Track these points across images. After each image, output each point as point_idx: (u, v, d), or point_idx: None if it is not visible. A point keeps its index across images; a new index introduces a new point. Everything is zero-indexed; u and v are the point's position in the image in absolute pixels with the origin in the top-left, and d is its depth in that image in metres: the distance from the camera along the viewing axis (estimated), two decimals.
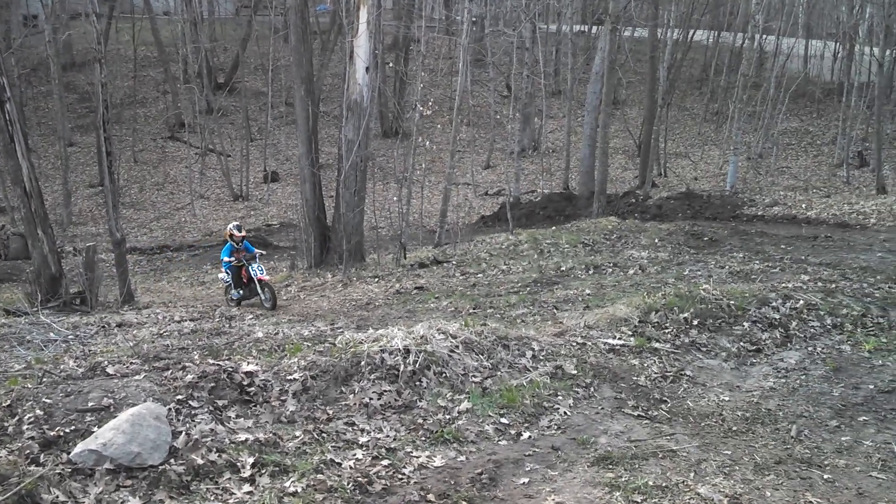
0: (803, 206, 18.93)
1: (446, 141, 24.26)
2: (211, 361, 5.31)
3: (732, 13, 36.84)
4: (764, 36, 31.10)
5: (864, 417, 5.79)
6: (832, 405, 5.99)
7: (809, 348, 7.17)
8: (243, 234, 12.61)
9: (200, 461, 4.24)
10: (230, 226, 12.73)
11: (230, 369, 5.16)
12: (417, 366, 5.57)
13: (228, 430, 4.63)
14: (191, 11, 31.57)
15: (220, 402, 4.89)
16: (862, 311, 7.93)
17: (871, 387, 6.34)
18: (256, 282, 12.00)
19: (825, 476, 4.78)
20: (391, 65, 30.20)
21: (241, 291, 12.54)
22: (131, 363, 5.65)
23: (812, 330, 7.53)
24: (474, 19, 31.22)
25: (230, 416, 4.83)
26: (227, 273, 12.59)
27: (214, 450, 4.37)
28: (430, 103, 21.28)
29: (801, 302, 7.91)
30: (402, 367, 5.52)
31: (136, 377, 5.09)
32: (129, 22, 33.87)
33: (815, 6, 36.36)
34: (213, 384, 4.98)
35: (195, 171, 28.63)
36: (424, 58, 29.71)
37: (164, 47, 32.86)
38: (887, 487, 4.73)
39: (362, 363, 5.53)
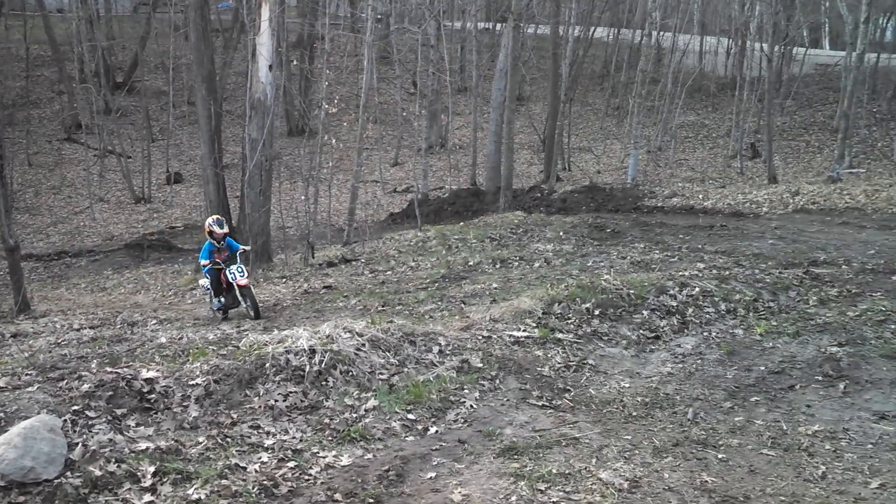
0: (700, 196, 19.60)
1: (353, 139, 24.12)
2: (109, 369, 5.17)
3: (631, 11, 37.83)
4: (661, 33, 32.13)
5: (756, 398, 6.07)
6: (726, 387, 6.26)
7: (705, 333, 7.46)
8: (225, 230, 10.59)
9: (98, 473, 4.12)
10: (209, 220, 10.66)
11: (129, 377, 5.03)
12: (323, 365, 5.55)
13: (128, 440, 4.52)
14: (86, 9, 30.47)
15: (118, 412, 4.76)
16: (754, 297, 8.29)
17: (763, 368, 6.64)
18: (236, 288, 10.23)
19: (719, 455, 4.99)
20: (295, 63, 29.81)
21: (222, 300, 10.64)
22: (25, 374, 5.46)
23: (707, 316, 7.84)
24: (379, 17, 31.17)
25: (130, 425, 4.71)
26: (206, 278, 10.61)
27: (113, 460, 4.26)
28: (336, 101, 21.07)
29: (697, 289, 8.21)
30: (307, 368, 5.49)
31: (30, 389, 4.92)
32: (20, 19, 32.45)
33: (708, 4, 37.69)
34: (110, 393, 4.85)
35: (94, 173, 27.64)
36: (329, 55, 29.47)
37: (59, 46, 31.52)
38: (776, 464, 4.97)
39: (267, 365, 5.48)
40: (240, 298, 10.35)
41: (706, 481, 4.63)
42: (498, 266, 11.81)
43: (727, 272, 9.25)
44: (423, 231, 16.03)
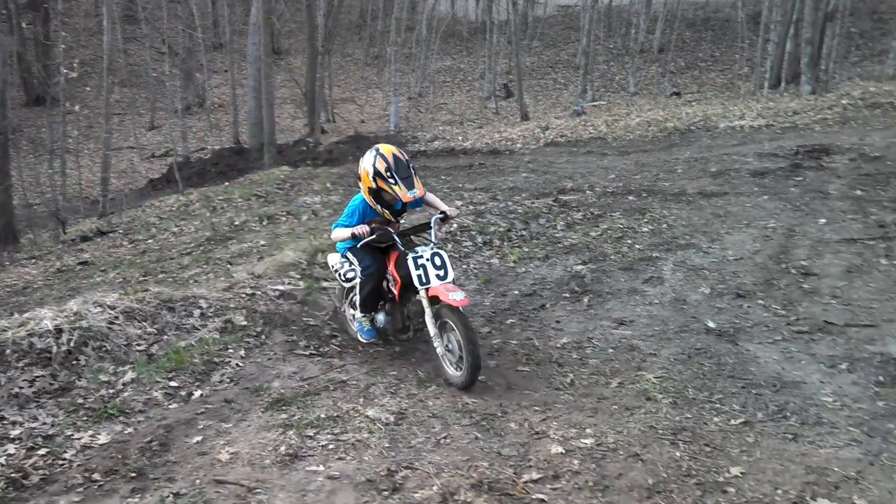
0: (460, 138, 20.26)
1: (101, 105, 22.55)
2: None
3: None
4: None
5: (511, 320, 6.47)
6: (483, 314, 6.62)
7: (464, 266, 7.80)
8: None
9: None
10: None
11: None
12: (72, 344, 5.23)
13: None
14: None
15: None
16: (507, 227, 8.77)
17: (516, 292, 7.08)
18: None
19: (479, 377, 5.24)
20: (27, 25, 27.25)
21: None
22: None
23: (465, 249, 8.20)
24: None
25: None
26: None
27: None
28: (76, 65, 19.62)
29: (455, 225, 8.54)
30: (54, 349, 5.16)
31: None
32: None
33: None
34: None
35: None
36: (65, 17, 27.18)
37: None
38: (530, 378, 5.37)
39: (7, 352, 5.07)
40: None
41: (467, 403, 4.90)
42: (265, 223, 11.60)
43: (483, 206, 9.68)
44: (185, 195, 15.39)
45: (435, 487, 3.88)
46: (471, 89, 29.95)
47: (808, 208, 8.70)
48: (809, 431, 4.41)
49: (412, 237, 5.58)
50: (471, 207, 9.63)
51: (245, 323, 6.05)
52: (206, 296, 6.46)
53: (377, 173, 5.22)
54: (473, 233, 8.49)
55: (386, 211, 5.46)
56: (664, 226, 8.55)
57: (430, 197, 5.68)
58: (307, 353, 5.75)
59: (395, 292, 5.54)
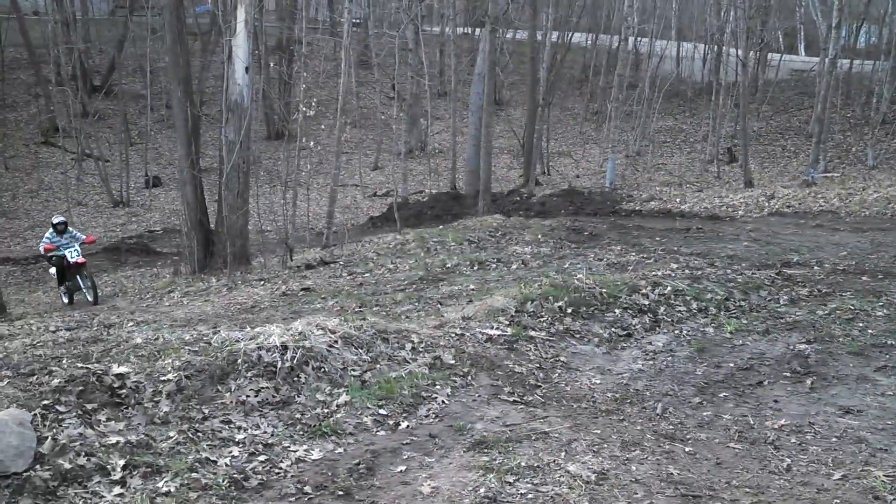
0: (677, 200, 19.77)
1: (332, 143, 24.12)
2: (79, 365, 5.17)
3: (609, 16, 38.12)
4: (638, 38, 32.41)
5: (725, 393, 6.15)
6: (695, 383, 6.34)
7: (676, 331, 7.55)
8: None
9: (68, 466, 4.13)
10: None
11: (100, 372, 5.04)
12: (295, 361, 5.58)
13: (98, 434, 4.53)
14: (62, 11, 30.29)
15: (89, 406, 4.77)
16: (725, 296, 8.39)
17: (732, 365, 6.73)
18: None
19: (687, 449, 5.05)
20: (274, 66, 29.83)
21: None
22: None
23: (678, 314, 7.92)
24: (357, 21, 31.22)
25: (100, 420, 4.72)
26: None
27: (83, 454, 4.27)
28: (314, 104, 21.10)
29: (669, 288, 8.30)
30: (279, 364, 5.52)
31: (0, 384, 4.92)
32: None
33: (685, 10, 38.03)
34: (81, 388, 4.86)
35: (71, 177, 27.48)
36: (307, 59, 29.45)
37: (35, 49, 31.34)
38: (742, 456, 5.05)
39: (239, 361, 5.50)
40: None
41: (672, 473, 4.70)
42: (476, 268, 11.86)
43: (699, 272, 9.36)
44: (402, 234, 16.07)
45: None
46: (692, 151, 29.26)
47: None
48: None
49: None
50: (686, 272, 9.33)
51: (453, 362, 6.18)
52: (418, 331, 6.67)
53: None
54: (688, 297, 8.20)
55: None
56: None
57: None
58: (511, 399, 5.77)
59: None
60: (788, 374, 6.47)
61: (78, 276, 12.70)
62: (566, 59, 32.18)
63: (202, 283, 14.17)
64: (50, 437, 4.31)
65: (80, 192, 27.18)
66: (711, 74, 32.89)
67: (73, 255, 12.48)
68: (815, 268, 9.97)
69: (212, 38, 26.73)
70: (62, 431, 4.42)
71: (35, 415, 4.48)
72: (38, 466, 4.13)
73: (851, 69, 30.48)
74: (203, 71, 24.49)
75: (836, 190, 18.10)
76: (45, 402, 4.66)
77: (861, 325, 7.54)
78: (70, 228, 13.92)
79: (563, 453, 4.90)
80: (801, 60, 37.59)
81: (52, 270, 13.36)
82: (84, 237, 13.81)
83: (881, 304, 8.13)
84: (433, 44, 33.89)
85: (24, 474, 4.03)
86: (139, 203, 26.65)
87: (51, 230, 13.52)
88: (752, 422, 5.57)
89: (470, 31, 36.74)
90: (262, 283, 13.24)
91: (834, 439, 5.28)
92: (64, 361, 5.75)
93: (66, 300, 13.25)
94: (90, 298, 12.53)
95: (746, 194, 19.00)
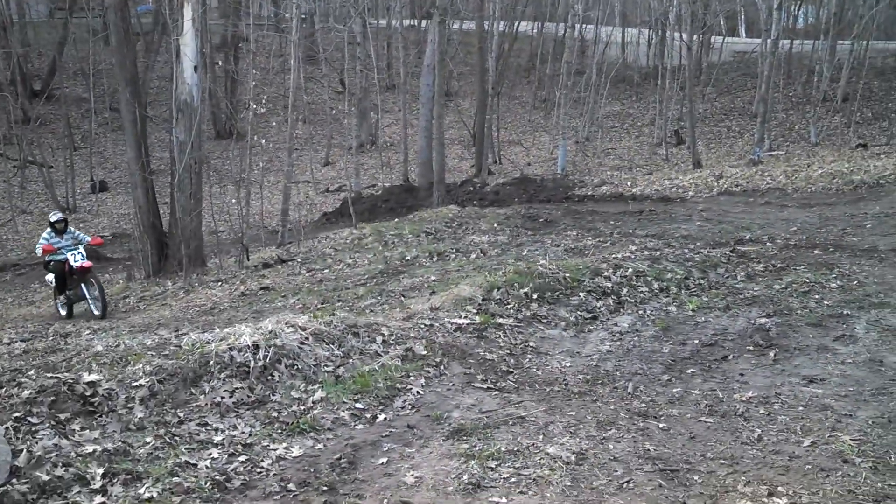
0: (629, 183, 20.04)
1: (283, 139, 23.94)
2: (49, 375, 5.09)
3: (554, 4, 38.36)
4: (584, 25, 32.68)
5: (692, 370, 6.29)
6: (663, 361, 6.47)
7: (640, 312, 7.68)
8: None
9: (46, 477, 4.07)
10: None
11: (70, 381, 4.96)
12: (268, 360, 5.55)
13: (73, 444, 4.46)
14: None
15: (62, 416, 4.70)
16: (685, 275, 8.56)
17: (696, 342, 6.88)
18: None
19: (661, 425, 5.16)
20: (220, 64, 29.43)
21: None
22: None
23: (641, 295, 8.06)
24: (303, 16, 30.94)
25: (74, 429, 4.65)
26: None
27: (60, 465, 4.20)
28: (264, 101, 20.93)
29: (630, 270, 8.44)
30: (252, 364, 5.49)
31: None
32: None
33: None
34: (52, 398, 4.78)
35: (14, 185, 26.82)
36: (255, 56, 29.15)
37: None
38: (715, 429, 5.17)
39: (211, 363, 5.46)
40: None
41: (649, 450, 4.80)
42: (435, 259, 11.88)
43: (658, 253, 9.52)
44: (358, 229, 16.02)
45: None
46: (640, 135, 29.65)
47: None
48: None
49: None
50: (645, 253, 9.48)
51: (425, 353, 6.21)
52: (388, 324, 6.69)
53: None
54: (649, 278, 8.35)
55: None
56: (854, 282, 8.10)
57: None
58: (485, 386, 5.83)
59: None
60: (752, 348, 6.64)
61: (83, 285, 10.85)
62: (513, 49, 32.33)
63: (158, 286, 13.95)
64: (25, 450, 4.23)
65: (23, 199, 26.53)
66: (656, 59, 33.35)
67: (76, 258, 10.66)
68: (768, 244, 10.21)
69: (155, 37, 26.34)
70: (37, 443, 4.35)
71: (7, 427, 4.40)
72: (14, 480, 4.06)
73: (792, 49, 31.14)
74: (147, 72, 24.06)
75: (782, 167, 18.52)
76: (17, 413, 4.58)
77: (817, 297, 7.76)
78: (71, 228, 12.12)
79: (540, 436, 4.97)
80: (743, 42, 38.28)
81: (50, 277, 11.48)
82: (89, 238, 11.92)
83: (834, 275, 8.37)
84: (381, 37, 33.76)
85: (2, 489, 3.96)
86: (86, 209, 26.11)
87: (48, 230, 11.71)
88: (720, 395, 5.71)
89: (416, 24, 36.69)
90: (220, 283, 13.10)
91: (800, 408, 5.43)
92: (32, 372, 5.62)
93: (63, 312, 11.55)
94: (97, 312, 10.67)
95: (695, 175, 19.34)
